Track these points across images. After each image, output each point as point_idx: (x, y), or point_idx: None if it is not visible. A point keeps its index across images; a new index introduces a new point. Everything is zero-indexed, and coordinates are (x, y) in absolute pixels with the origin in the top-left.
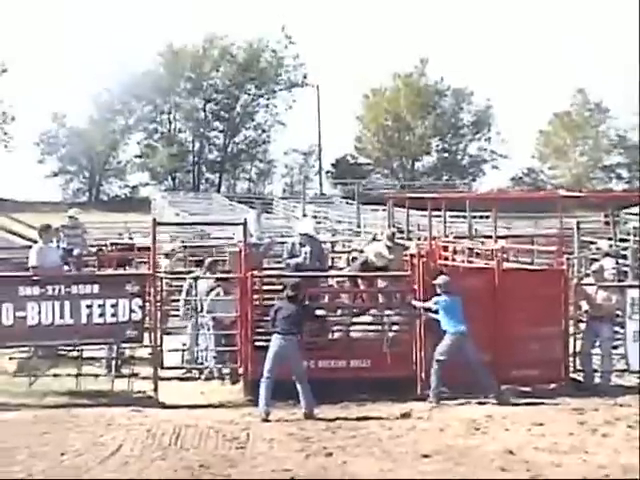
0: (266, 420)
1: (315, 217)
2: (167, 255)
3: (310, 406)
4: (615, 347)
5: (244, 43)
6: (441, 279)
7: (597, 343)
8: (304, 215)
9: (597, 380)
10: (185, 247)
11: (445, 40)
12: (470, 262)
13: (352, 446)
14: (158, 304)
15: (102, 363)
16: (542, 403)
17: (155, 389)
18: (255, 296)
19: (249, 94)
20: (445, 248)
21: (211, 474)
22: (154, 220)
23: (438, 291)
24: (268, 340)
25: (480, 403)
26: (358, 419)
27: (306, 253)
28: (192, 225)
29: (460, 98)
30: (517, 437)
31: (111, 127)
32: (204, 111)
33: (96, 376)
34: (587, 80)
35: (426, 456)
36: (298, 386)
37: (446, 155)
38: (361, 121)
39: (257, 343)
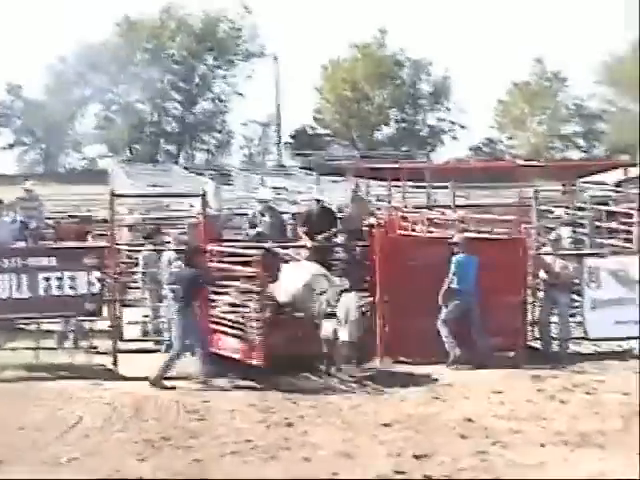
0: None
1: (275, 188)
2: (130, 227)
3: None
4: (573, 315)
5: (201, 14)
6: (457, 237)
7: (555, 311)
8: (263, 185)
9: (555, 348)
10: (144, 219)
11: (403, 10)
12: (430, 232)
13: (313, 416)
14: (116, 276)
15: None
16: (502, 371)
17: (115, 362)
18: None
19: (207, 65)
20: (404, 218)
21: (172, 446)
22: (112, 192)
23: (455, 250)
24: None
25: (439, 372)
26: (318, 389)
27: (266, 222)
28: (150, 197)
29: (418, 69)
30: (476, 405)
31: (67, 98)
32: (162, 82)
33: (55, 349)
34: (545, 49)
35: (386, 425)
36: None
37: (405, 125)
38: (320, 92)
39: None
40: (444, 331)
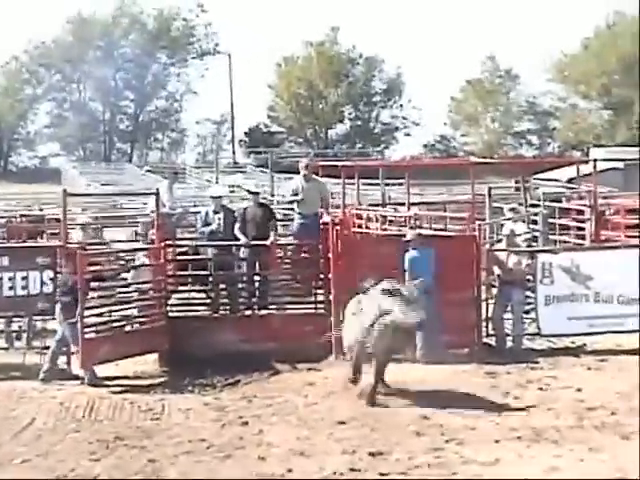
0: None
1: (231, 186)
2: (82, 227)
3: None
4: (527, 312)
5: (154, 11)
6: (410, 234)
7: (509, 308)
8: (216, 183)
9: (509, 344)
10: (97, 218)
11: (356, 8)
12: (384, 230)
13: (268, 415)
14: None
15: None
16: (456, 367)
17: (68, 362)
18: (169, 266)
19: (160, 63)
20: (359, 216)
21: (126, 446)
22: (64, 191)
23: (408, 247)
24: (181, 310)
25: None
26: (273, 388)
27: (220, 219)
28: (103, 195)
29: (372, 66)
30: (432, 402)
31: (19, 97)
32: (114, 80)
33: (6, 349)
34: (497, 47)
35: (342, 423)
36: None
37: (359, 123)
38: (274, 90)
39: (170, 314)
40: None
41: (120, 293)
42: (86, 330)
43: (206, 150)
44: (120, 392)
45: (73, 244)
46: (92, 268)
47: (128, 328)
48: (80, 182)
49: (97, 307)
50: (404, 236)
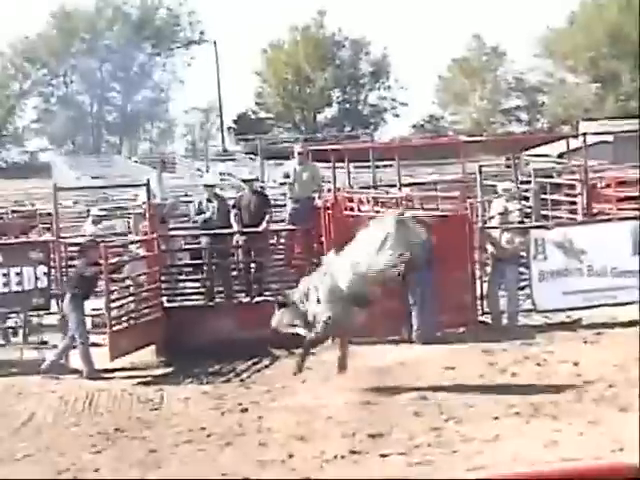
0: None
1: (220, 174)
2: (94, 221)
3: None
4: (521, 288)
5: (138, 2)
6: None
7: (503, 285)
8: (207, 172)
9: (505, 321)
10: (88, 211)
11: None
12: (376, 212)
13: (267, 401)
14: (64, 270)
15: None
16: (453, 347)
17: (66, 356)
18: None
19: (146, 53)
20: (350, 199)
21: (126, 437)
22: (55, 185)
23: None
24: (176, 300)
25: (390, 350)
26: (271, 374)
27: (213, 208)
28: (94, 188)
29: (358, 48)
30: (429, 382)
31: (6, 92)
32: (100, 72)
33: (3, 345)
34: (483, 24)
35: (341, 406)
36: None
37: (347, 106)
38: (261, 76)
39: (166, 304)
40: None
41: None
42: (113, 322)
43: (195, 139)
44: (119, 384)
45: (66, 238)
46: (112, 260)
47: (132, 322)
48: (70, 175)
49: (119, 299)
50: None
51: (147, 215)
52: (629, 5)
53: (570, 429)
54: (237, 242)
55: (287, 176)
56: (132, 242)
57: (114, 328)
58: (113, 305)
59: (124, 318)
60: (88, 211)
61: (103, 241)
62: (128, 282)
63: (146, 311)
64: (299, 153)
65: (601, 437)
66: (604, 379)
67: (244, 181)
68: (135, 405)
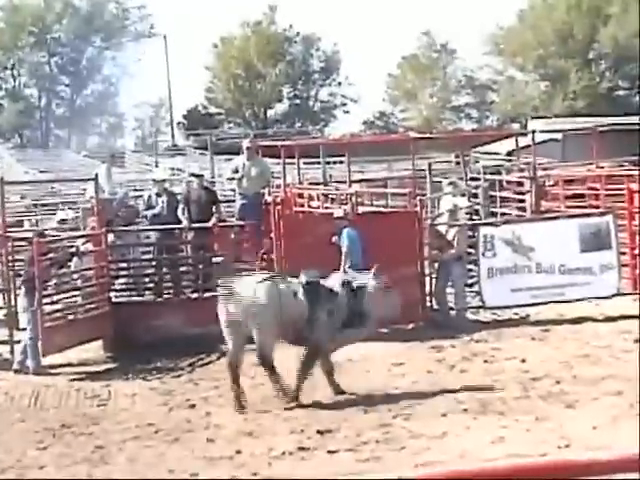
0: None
1: (171, 169)
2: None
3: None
4: (470, 285)
5: None
6: (339, 211)
7: (451, 282)
8: (157, 167)
9: (453, 318)
10: (35, 205)
11: None
12: (326, 208)
13: (215, 397)
14: (10, 265)
15: None
16: (401, 343)
17: (12, 351)
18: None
19: (95, 46)
20: (300, 195)
21: (73, 433)
22: (1, 179)
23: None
24: (124, 295)
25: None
26: (220, 370)
27: (163, 202)
28: (42, 182)
29: (309, 44)
30: (378, 378)
31: None
32: (49, 65)
33: None
34: (433, 21)
35: (289, 402)
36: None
37: (298, 102)
38: (211, 71)
39: (114, 300)
40: None
41: (69, 281)
42: (45, 318)
43: (145, 134)
44: (65, 380)
45: (13, 232)
46: (49, 255)
47: (77, 316)
48: (18, 170)
49: (54, 294)
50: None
51: (95, 210)
52: (577, 4)
53: (517, 425)
54: (186, 237)
55: (236, 171)
56: (79, 236)
57: (49, 324)
58: (49, 300)
59: (65, 313)
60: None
61: (47, 235)
62: (75, 276)
63: (92, 306)
64: (247, 148)
65: (548, 433)
66: (551, 376)
67: (194, 176)
68: (82, 401)
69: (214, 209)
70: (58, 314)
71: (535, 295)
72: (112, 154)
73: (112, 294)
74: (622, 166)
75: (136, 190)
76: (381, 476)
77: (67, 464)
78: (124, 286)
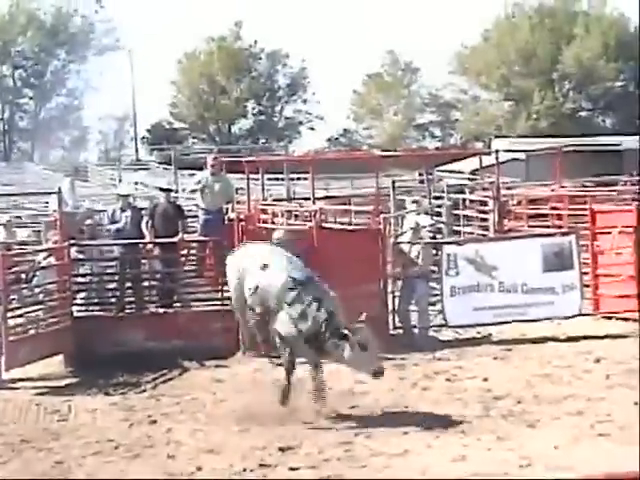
0: None
1: (135, 184)
2: (5, 225)
3: None
4: (433, 303)
5: (52, 8)
6: (277, 233)
7: (414, 300)
8: (120, 181)
9: (416, 336)
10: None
11: (258, 2)
12: (289, 224)
13: (176, 413)
14: None
15: None
16: None
17: None
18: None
19: (59, 60)
20: (264, 211)
21: (33, 448)
22: None
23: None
24: (86, 310)
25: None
26: (181, 386)
27: (127, 217)
28: (4, 196)
29: (275, 60)
30: (340, 396)
31: None
32: (12, 78)
33: None
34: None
35: (251, 419)
36: None
37: (262, 118)
38: (175, 85)
39: (76, 314)
40: None
41: (32, 295)
42: (10, 332)
43: (109, 148)
44: (25, 394)
45: None
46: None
47: (39, 330)
48: None
49: (17, 308)
50: (310, 230)
51: (58, 223)
52: (541, 25)
53: (478, 444)
54: (150, 252)
55: (198, 182)
56: (42, 250)
57: (13, 338)
58: (12, 314)
59: (27, 327)
60: None
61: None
62: (36, 291)
63: (53, 320)
64: (212, 165)
65: (509, 453)
66: (512, 395)
67: (162, 190)
68: (42, 416)
69: (180, 224)
70: (20, 328)
71: (497, 314)
72: (76, 168)
73: (74, 308)
74: (585, 186)
75: (99, 204)
76: None
77: (26, 479)
78: (86, 300)
